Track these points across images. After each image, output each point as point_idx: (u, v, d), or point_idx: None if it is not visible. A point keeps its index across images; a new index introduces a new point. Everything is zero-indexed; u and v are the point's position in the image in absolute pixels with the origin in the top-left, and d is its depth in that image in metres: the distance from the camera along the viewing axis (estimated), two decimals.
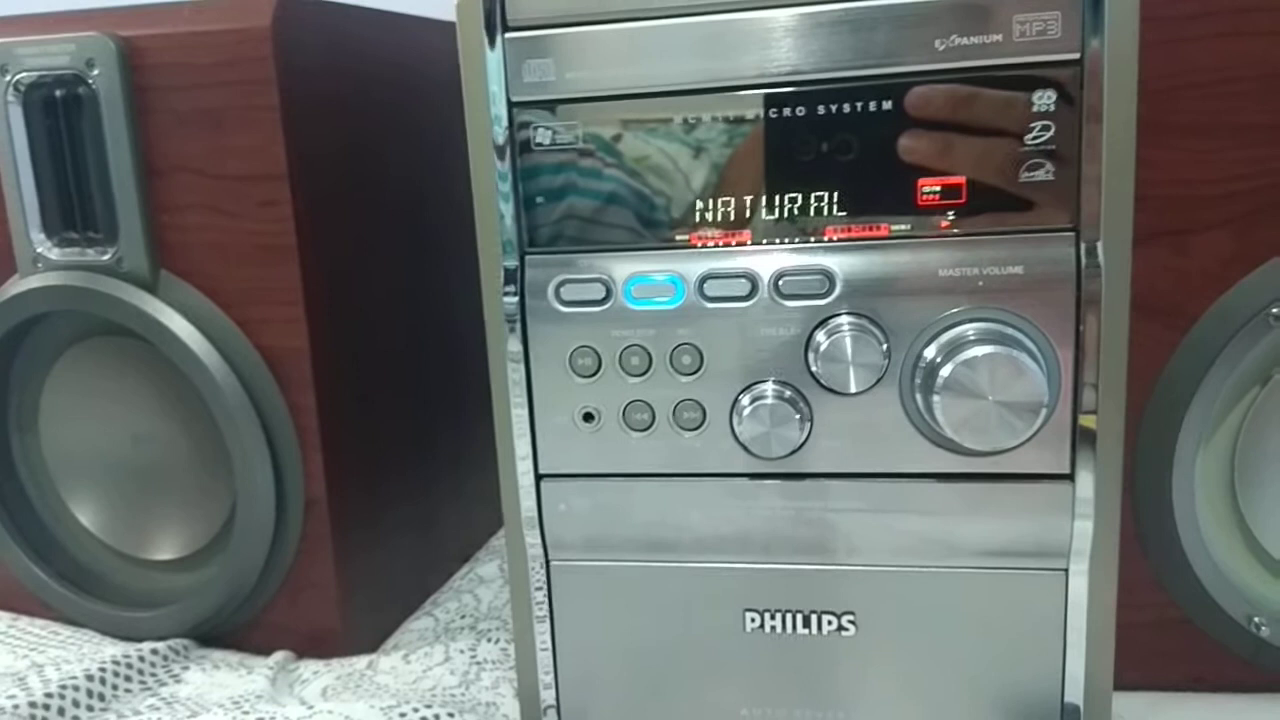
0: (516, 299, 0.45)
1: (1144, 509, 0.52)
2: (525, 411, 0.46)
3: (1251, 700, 0.54)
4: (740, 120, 0.43)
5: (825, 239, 0.43)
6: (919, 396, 0.43)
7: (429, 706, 0.54)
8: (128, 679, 0.61)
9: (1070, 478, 0.43)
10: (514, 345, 0.46)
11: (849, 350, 0.43)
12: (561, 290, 0.45)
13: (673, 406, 0.45)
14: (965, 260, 0.42)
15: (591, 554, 0.48)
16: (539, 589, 0.49)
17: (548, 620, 0.49)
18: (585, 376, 0.46)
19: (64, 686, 0.58)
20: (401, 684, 0.60)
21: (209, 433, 0.62)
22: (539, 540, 0.48)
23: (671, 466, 0.46)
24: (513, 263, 0.46)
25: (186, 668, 0.63)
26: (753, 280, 0.44)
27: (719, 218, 0.44)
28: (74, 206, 0.61)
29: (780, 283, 0.43)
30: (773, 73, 0.42)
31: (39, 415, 0.68)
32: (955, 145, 0.42)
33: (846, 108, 0.42)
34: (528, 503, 0.48)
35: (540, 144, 0.45)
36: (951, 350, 0.42)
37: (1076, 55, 0.40)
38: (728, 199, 0.44)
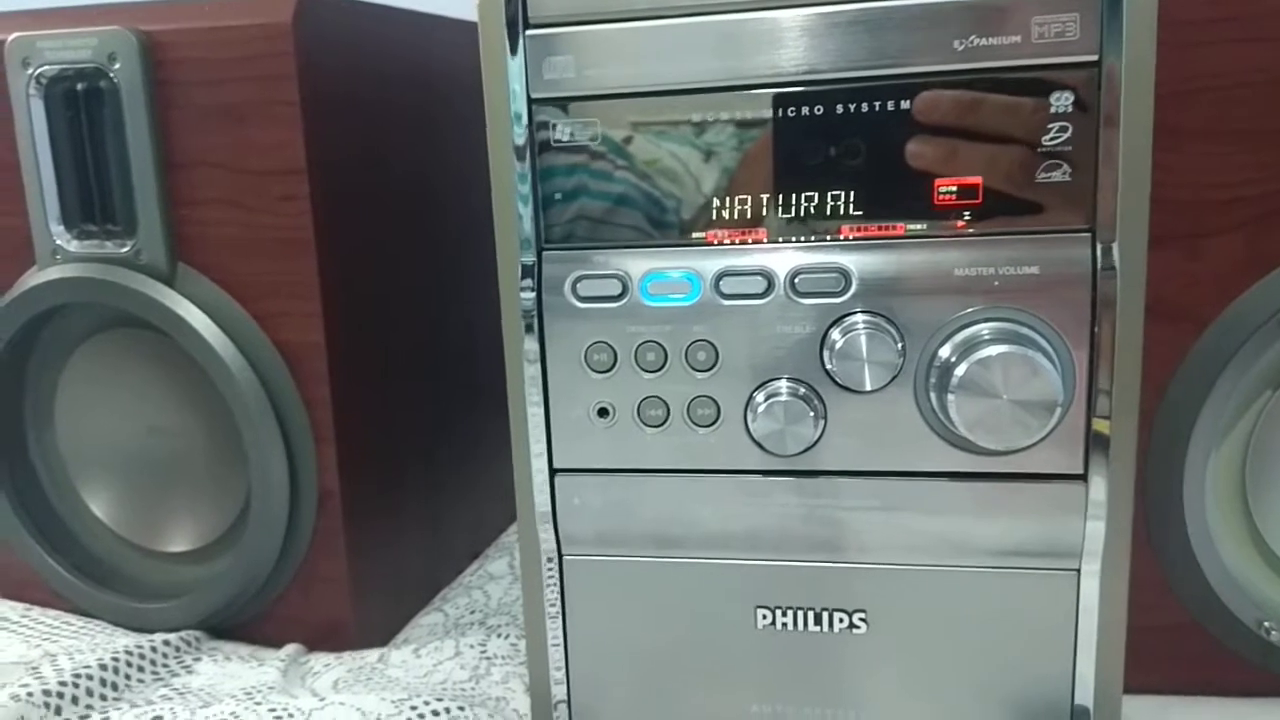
0: (534, 295, 0.46)
1: (1155, 512, 0.52)
2: (541, 406, 0.47)
3: (1261, 704, 0.54)
4: (758, 119, 0.43)
5: (841, 238, 0.44)
6: (933, 395, 0.43)
7: (440, 700, 0.54)
8: (140, 669, 0.61)
9: (1083, 478, 0.43)
10: (530, 341, 0.46)
11: (864, 348, 0.43)
12: (578, 286, 0.46)
13: (687, 403, 0.46)
14: (981, 260, 0.42)
15: (604, 549, 0.49)
16: (551, 584, 0.49)
17: (559, 615, 0.50)
18: (601, 372, 0.46)
19: (77, 676, 0.58)
20: (412, 678, 0.60)
21: (224, 425, 0.62)
22: (552, 535, 0.48)
23: (685, 463, 0.46)
24: (530, 259, 0.46)
25: (199, 659, 0.63)
26: (769, 278, 0.44)
27: (735, 216, 0.45)
28: (94, 199, 0.61)
29: (796, 281, 0.44)
30: (792, 72, 0.43)
31: (55, 407, 0.69)
32: (972, 146, 0.42)
33: (864, 107, 0.42)
34: (542, 497, 0.48)
35: (559, 141, 0.45)
36: (966, 349, 0.42)
37: (1094, 57, 0.40)
38: (744, 197, 0.44)
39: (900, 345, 0.43)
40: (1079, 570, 0.45)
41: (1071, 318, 0.42)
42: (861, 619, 0.47)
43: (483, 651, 0.63)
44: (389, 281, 0.66)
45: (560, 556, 0.49)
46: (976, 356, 0.41)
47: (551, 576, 0.49)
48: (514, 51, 0.44)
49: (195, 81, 0.58)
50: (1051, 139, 0.41)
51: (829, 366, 0.44)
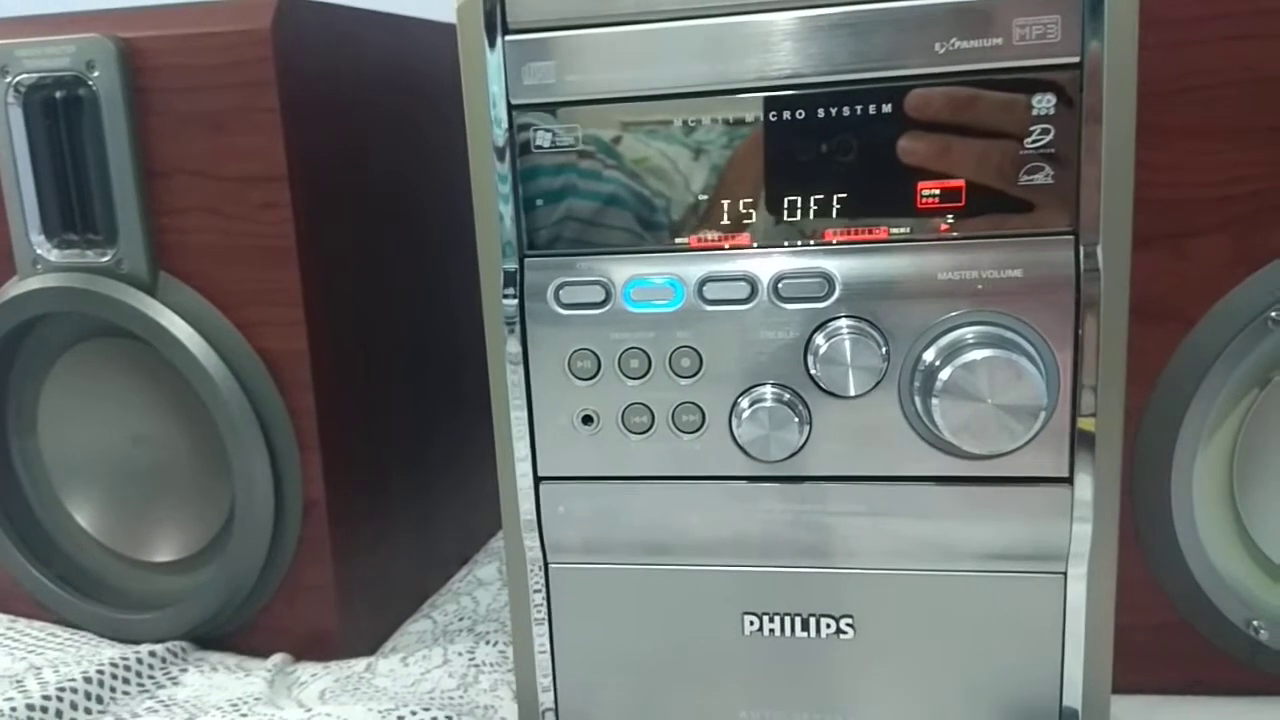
0: (516, 301, 0.45)
1: (1142, 512, 0.52)
2: (524, 414, 0.46)
3: (1249, 703, 0.54)
4: (740, 123, 0.43)
5: (825, 242, 0.44)
6: (918, 400, 0.43)
7: (427, 709, 0.54)
8: (126, 681, 0.61)
9: (1069, 481, 0.43)
10: (513, 347, 0.46)
11: (848, 353, 0.43)
12: (561, 293, 0.45)
13: (672, 409, 0.45)
14: (964, 263, 0.42)
15: (590, 556, 0.48)
16: (537, 591, 0.49)
17: (546, 623, 0.49)
18: (584, 379, 0.46)
19: (62, 689, 0.58)
20: (400, 687, 0.60)
21: (208, 435, 0.62)
22: (538, 543, 0.48)
23: (670, 469, 0.46)
24: (512, 265, 0.46)
25: (185, 670, 0.63)
26: (752, 283, 0.44)
27: (718, 220, 0.44)
28: (74, 208, 0.61)
29: (779, 285, 0.43)
30: (773, 76, 0.42)
31: (38, 417, 0.68)
32: (955, 148, 0.42)
33: (846, 111, 0.42)
34: (527, 505, 0.48)
35: (540, 146, 0.45)
36: (951, 353, 0.42)
37: (1076, 59, 0.40)
38: (727, 201, 0.44)
39: (884, 350, 0.43)
40: (1066, 572, 0.44)
41: (1055, 320, 0.42)
42: (849, 624, 0.47)
43: (471, 659, 0.63)
44: (372, 287, 0.66)
45: (546, 564, 0.49)
46: (961, 361, 0.41)
47: (538, 584, 0.49)
48: (493, 56, 0.44)
49: (174, 88, 0.58)
50: (1034, 141, 0.41)
51: (813, 372, 0.43)
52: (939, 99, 0.41)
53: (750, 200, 0.44)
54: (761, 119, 0.43)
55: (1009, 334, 0.42)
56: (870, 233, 0.43)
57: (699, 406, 0.45)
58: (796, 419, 0.44)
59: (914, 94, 0.42)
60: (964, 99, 0.41)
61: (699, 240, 0.45)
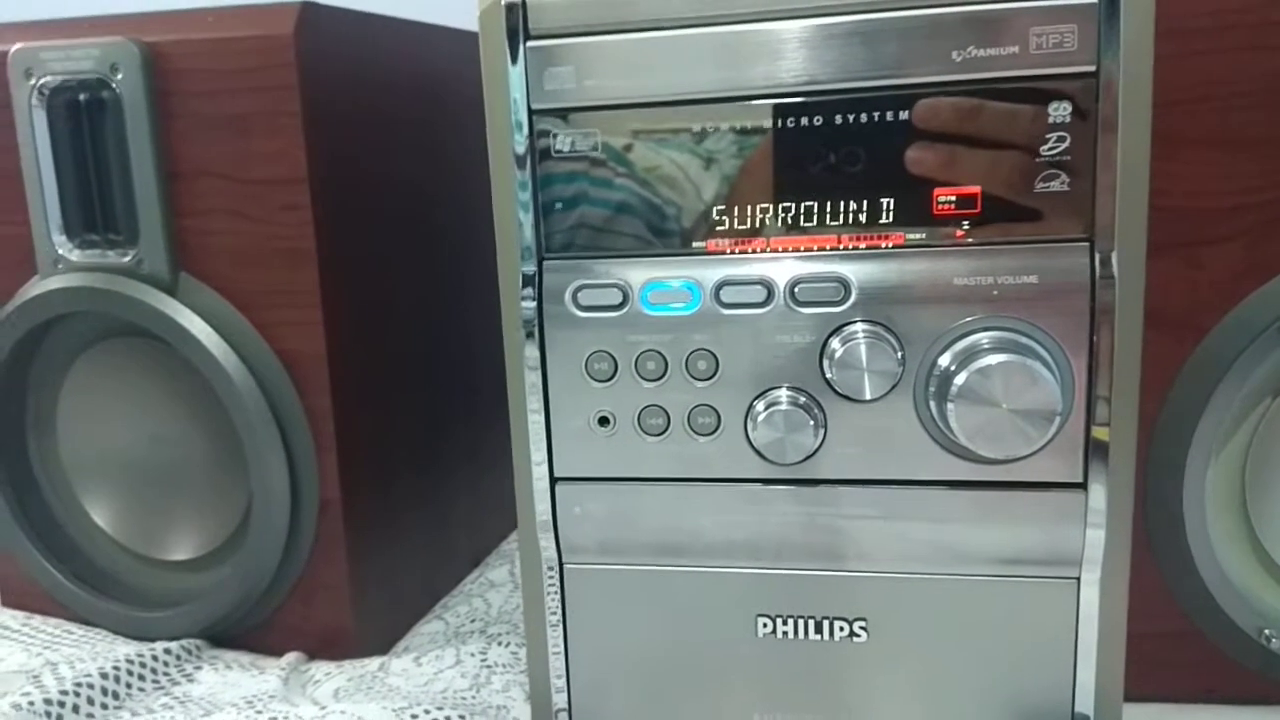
0: (534, 304, 0.46)
1: (1155, 520, 0.52)
2: (541, 415, 0.47)
3: (1262, 713, 0.54)
4: (758, 129, 0.43)
5: (841, 247, 0.44)
6: (933, 404, 0.43)
7: (440, 708, 0.54)
8: (141, 678, 0.61)
9: (1083, 487, 0.43)
10: (531, 350, 0.46)
11: (864, 357, 0.43)
12: (579, 296, 0.46)
13: (687, 412, 0.46)
14: (980, 269, 0.42)
15: (605, 558, 0.49)
16: (552, 593, 0.49)
17: (560, 624, 0.50)
18: (601, 381, 0.46)
19: (79, 685, 0.58)
20: (413, 686, 0.60)
21: (225, 434, 0.62)
22: (553, 543, 0.49)
23: (686, 471, 0.46)
24: (531, 268, 0.46)
25: (199, 667, 0.63)
26: (768, 287, 0.44)
27: (735, 225, 0.45)
28: (95, 209, 0.62)
29: (796, 290, 0.44)
30: (791, 83, 0.43)
31: (57, 415, 0.69)
32: (971, 156, 0.42)
33: (864, 118, 0.42)
34: (542, 506, 0.48)
35: (560, 151, 0.45)
36: (966, 358, 0.42)
37: (1092, 68, 0.40)
38: (744, 206, 0.44)
39: (900, 354, 0.43)
40: (1079, 578, 0.45)
41: (1070, 326, 0.42)
42: (862, 627, 0.47)
43: (483, 660, 0.63)
44: (390, 290, 0.66)
45: (561, 565, 0.49)
46: (976, 365, 0.41)
47: (552, 585, 0.49)
48: (514, 62, 0.44)
49: (197, 92, 0.58)
50: (1050, 149, 0.41)
51: (829, 375, 0.44)
52: (955, 108, 0.42)
53: (766, 205, 0.44)
54: (779, 125, 0.43)
55: (1024, 339, 0.42)
56: (886, 238, 0.43)
57: (715, 409, 0.45)
58: (812, 422, 0.44)
59: (931, 102, 0.42)
60: (980, 107, 0.42)
61: (716, 244, 0.45)
